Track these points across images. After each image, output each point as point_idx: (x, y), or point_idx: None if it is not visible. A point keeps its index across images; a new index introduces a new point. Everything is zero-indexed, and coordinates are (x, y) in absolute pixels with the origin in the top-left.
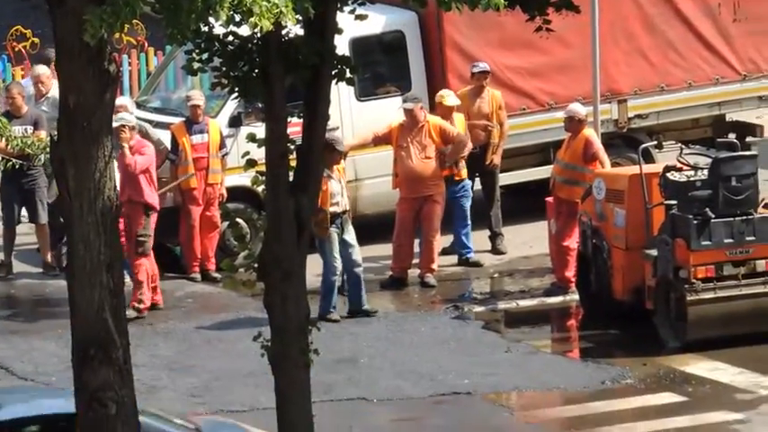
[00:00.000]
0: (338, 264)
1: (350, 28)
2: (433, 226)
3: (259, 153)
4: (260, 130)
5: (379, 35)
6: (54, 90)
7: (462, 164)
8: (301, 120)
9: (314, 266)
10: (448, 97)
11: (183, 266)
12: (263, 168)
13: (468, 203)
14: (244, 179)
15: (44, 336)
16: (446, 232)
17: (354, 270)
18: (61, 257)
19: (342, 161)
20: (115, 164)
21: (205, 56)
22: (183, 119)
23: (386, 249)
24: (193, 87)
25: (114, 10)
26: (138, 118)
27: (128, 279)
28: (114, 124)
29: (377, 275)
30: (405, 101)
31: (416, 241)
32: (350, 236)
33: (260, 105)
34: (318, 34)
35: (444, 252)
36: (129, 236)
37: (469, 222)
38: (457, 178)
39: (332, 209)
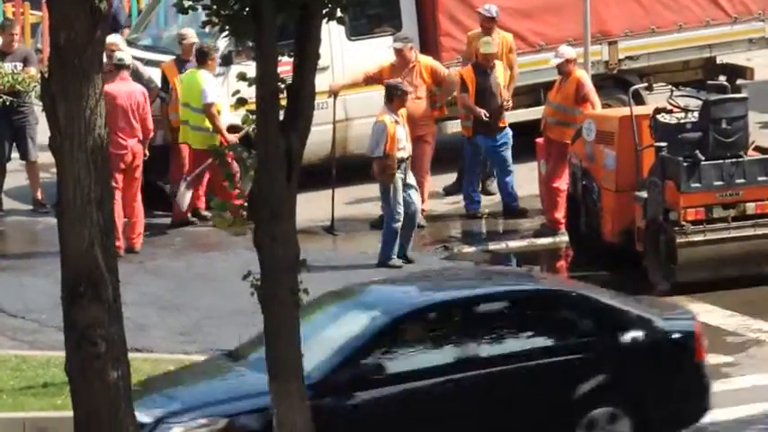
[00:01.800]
0: (401, 210)
1: None
2: (423, 167)
3: (249, 92)
4: (251, 68)
5: None
6: None
7: (504, 112)
8: (291, 59)
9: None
10: (485, 45)
11: (173, 204)
12: (254, 107)
13: (509, 153)
14: (234, 118)
15: (34, 273)
16: (438, 173)
17: (412, 215)
18: None
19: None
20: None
21: None
22: (174, 57)
23: (375, 189)
24: (185, 26)
25: None
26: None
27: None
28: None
29: (367, 215)
30: (394, 41)
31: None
32: (412, 180)
33: (250, 44)
34: None
35: (447, 193)
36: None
37: (512, 170)
38: (501, 125)
39: (398, 154)
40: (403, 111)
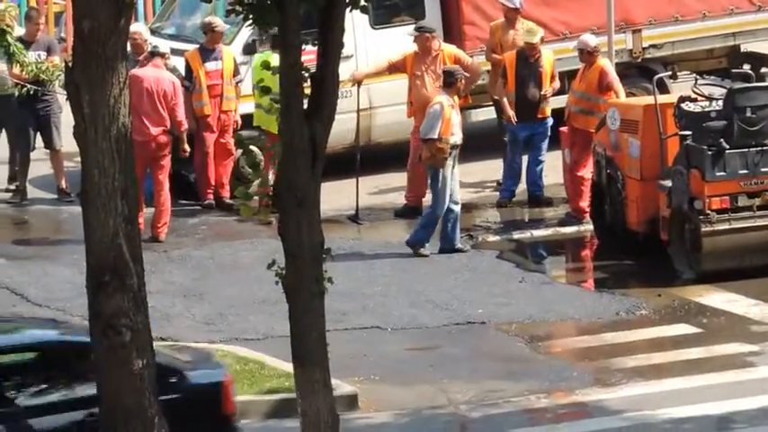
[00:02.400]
0: (447, 199)
1: None
2: None
3: (274, 80)
4: (275, 57)
5: None
6: None
7: (548, 102)
8: (315, 47)
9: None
10: (528, 34)
11: (198, 194)
12: (278, 96)
13: (545, 144)
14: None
15: (58, 262)
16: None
17: (454, 206)
18: None
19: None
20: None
21: None
22: (198, 46)
23: (400, 178)
24: (211, 14)
25: None
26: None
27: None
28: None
29: (391, 204)
30: (416, 30)
31: None
32: (457, 170)
33: (274, 33)
34: None
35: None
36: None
37: (543, 160)
38: (540, 116)
39: (452, 139)
40: (456, 98)
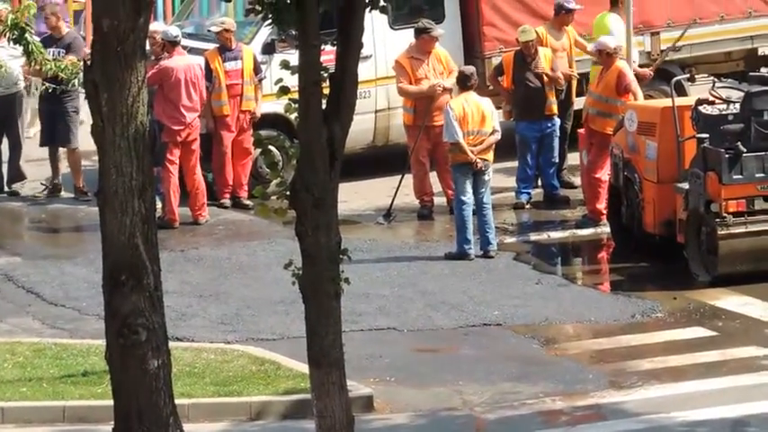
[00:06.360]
0: (467, 198)
1: None
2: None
3: (292, 80)
4: (293, 57)
5: None
6: None
7: (553, 98)
8: (334, 47)
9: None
10: (522, 33)
11: (215, 193)
12: (296, 96)
13: (556, 142)
14: (277, 106)
15: (75, 261)
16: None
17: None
18: None
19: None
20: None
21: None
22: (217, 45)
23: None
24: (226, 14)
25: None
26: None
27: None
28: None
29: (409, 205)
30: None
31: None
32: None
33: (293, 32)
34: None
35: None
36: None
37: (557, 161)
38: (548, 113)
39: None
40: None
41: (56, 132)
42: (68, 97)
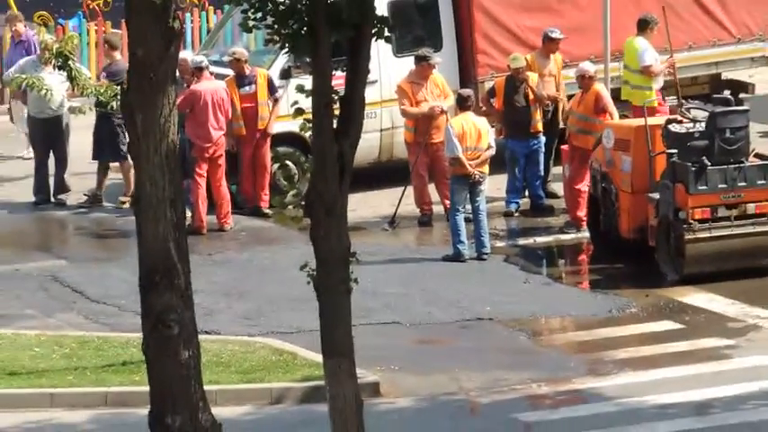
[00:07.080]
0: (459, 205)
1: None
2: (444, 171)
3: (307, 102)
4: (308, 81)
5: None
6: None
7: (538, 117)
8: (344, 73)
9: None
10: (512, 60)
11: (239, 203)
12: (311, 116)
13: (542, 157)
14: (293, 126)
15: (115, 264)
16: None
17: (476, 210)
18: None
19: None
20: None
21: (259, 15)
22: (235, 73)
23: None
24: (248, 44)
25: None
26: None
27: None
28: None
29: (411, 213)
30: (421, 59)
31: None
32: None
33: (308, 60)
34: None
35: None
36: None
37: (542, 174)
38: (533, 131)
39: (468, 153)
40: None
41: (104, 149)
42: (116, 117)
